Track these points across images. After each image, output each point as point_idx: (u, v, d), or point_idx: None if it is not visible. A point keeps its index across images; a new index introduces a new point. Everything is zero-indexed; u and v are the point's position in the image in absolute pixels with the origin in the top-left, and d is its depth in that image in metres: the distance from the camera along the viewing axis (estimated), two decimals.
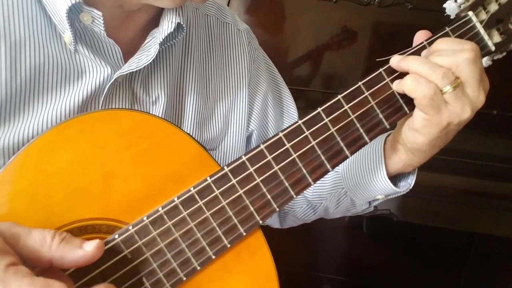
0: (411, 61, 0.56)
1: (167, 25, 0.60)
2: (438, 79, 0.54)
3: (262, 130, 0.80)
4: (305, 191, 0.75)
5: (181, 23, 0.61)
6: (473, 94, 0.55)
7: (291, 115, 0.84)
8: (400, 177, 0.70)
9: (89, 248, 0.45)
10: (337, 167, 0.68)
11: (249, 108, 0.77)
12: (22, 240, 0.43)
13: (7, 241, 0.43)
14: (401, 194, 0.69)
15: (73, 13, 0.54)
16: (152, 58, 0.59)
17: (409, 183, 0.68)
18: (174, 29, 0.60)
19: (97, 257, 0.46)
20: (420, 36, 0.60)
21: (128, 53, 0.60)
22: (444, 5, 0.60)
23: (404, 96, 0.57)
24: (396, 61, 0.57)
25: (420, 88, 0.54)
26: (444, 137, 0.58)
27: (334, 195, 0.75)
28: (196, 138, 0.55)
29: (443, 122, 0.55)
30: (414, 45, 0.60)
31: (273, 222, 0.88)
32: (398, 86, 0.57)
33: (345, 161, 0.65)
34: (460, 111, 0.55)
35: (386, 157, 0.66)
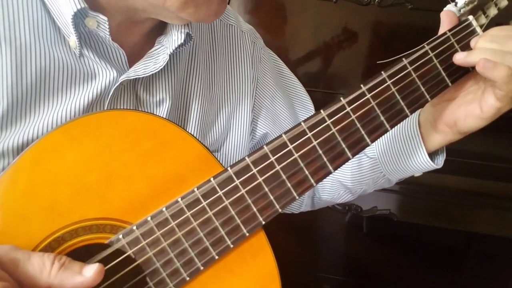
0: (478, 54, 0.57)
1: (176, 36, 0.60)
2: None
3: (275, 130, 0.80)
4: (343, 180, 0.80)
5: (190, 32, 0.61)
6: None
7: (305, 107, 0.85)
8: (431, 152, 0.72)
9: (89, 274, 0.45)
10: (372, 153, 0.74)
11: (257, 111, 0.77)
12: (20, 266, 0.43)
13: (4, 267, 0.42)
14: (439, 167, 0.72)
15: (78, 17, 0.54)
16: (161, 67, 0.60)
17: (441, 158, 0.71)
18: (184, 40, 0.60)
19: (97, 282, 0.45)
20: (447, 17, 0.61)
21: (132, 57, 0.61)
22: (444, 9, 0.60)
23: (405, 99, 0.58)
24: (463, 57, 0.58)
25: None
26: None
27: (373, 179, 0.77)
28: (200, 140, 0.55)
29: (507, 109, 0.58)
30: (442, 26, 0.62)
31: (306, 208, 0.91)
32: (490, 73, 0.55)
33: (380, 146, 0.72)
34: None
35: (424, 138, 0.68)
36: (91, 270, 0.45)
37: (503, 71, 0.55)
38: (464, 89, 0.64)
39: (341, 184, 0.82)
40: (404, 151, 0.70)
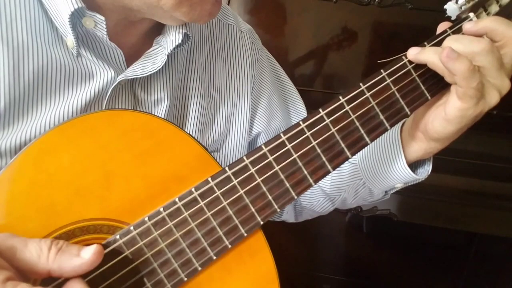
0: (431, 53, 0.55)
1: (174, 36, 0.60)
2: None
3: (268, 131, 0.80)
4: (323, 185, 0.77)
5: (188, 33, 0.61)
6: (496, 80, 0.56)
7: (299, 112, 0.84)
8: (416, 164, 0.70)
9: (87, 255, 0.45)
10: (353, 159, 0.71)
11: (253, 110, 0.77)
12: (18, 253, 0.43)
13: (3, 255, 0.42)
14: (420, 181, 0.70)
15: (75, 17, 0.54)
16: (159, 68, 0.60)
17: (426, 169, 0.69)
18: (182, 40, 0.60)
19: (96, 263, 0.45)
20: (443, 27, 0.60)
21: (130, 57, 0.60)
22: (445, 6, 0.60)
23: (405, 98, 0.57)
24: (414, 53, 0.57)
25: (474, 79, 0.53)
26: (469, 125, 0.59)
27: (353, 186, 0.75)
28: (198, 140, 0.55)
29: (477, 111, 0.56)
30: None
31: (289, 217, 0.89)
32: (452, 65, 0.54)
33: (361, 152, 0.67)
34: (490, 98, 0.56)
35: (404, 146, 0.66)
36: (89, 252, 0.45)
37: (464, 64, 0.53)
38: (442, 93, 0.62)
39: (320, 190, 0.80)
40: (384, 157, 0.68)
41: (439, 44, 0.58)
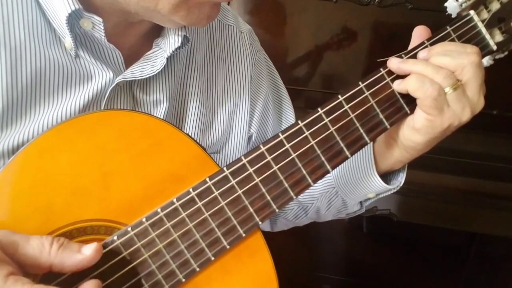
0: (412, 64, 0.56)
1: (174, 39, 0.60)
2: (440, 80, 0.54)
3: (260, 133, 0.79)
4: None
5: (187, 35, 0.60)
6: (474, 97, 0.56)
7: (288, 119, 0.83)
8: (390, 175, 0.70)
9: (88, 252, 0.46)
10: None
11: (251, 111, 0.76)
12: (20, 247, 0.44)
13: (5, 250, 0.43)
14: (392, 192, 0.70)
15: (73, 18, 0.54)
16: (158, 71, 0.59)
17: (399, 180, 0.69)
18: (181, 43, 0.60)
19: (96, 260, 0.46)
20: (419, 32, 0.60)
21: (128, 57, 0.60)
22: (446, 4, 0.59)
23: (405, 96, 0.57)
24: (396, 63, 0.57)
25: (424, 88, 0.54)
26: (440, 138, 0.59)
27: (325, 195, 0.75)
28: (198, 142, 0.55)
29: (444, 124, 0.56)
30: (412, 40, 0.60)
31: (264, 225, 0.87)
32: (400, 85, 0.56)
33: None
34: (460, 112, 0.56)
35: (376, 154, 0.66)
36: (90, 249, 0.46)
37: (410, 80, 0.55)
38: None
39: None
40: (356, 164, 0.68)
41: (441, 41, 0.58)
